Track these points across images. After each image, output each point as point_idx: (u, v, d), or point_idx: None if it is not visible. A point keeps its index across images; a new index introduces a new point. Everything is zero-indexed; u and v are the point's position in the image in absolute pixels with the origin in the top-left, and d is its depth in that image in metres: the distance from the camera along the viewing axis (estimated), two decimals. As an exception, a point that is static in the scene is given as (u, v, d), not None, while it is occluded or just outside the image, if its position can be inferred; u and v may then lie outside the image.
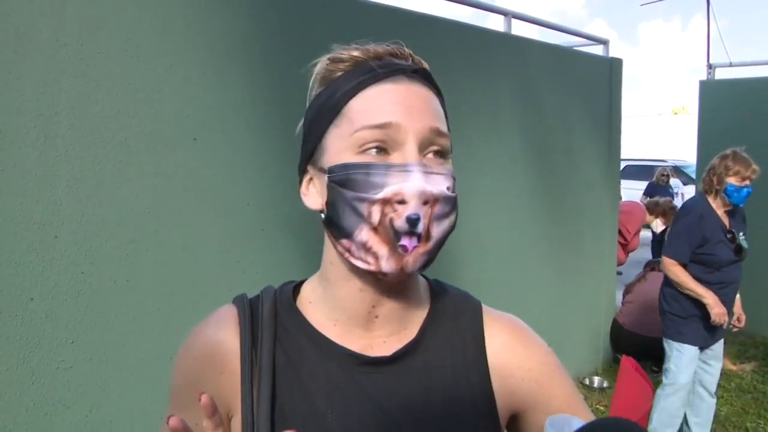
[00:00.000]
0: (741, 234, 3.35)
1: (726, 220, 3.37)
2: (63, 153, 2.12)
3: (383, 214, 0.71)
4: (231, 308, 0.83)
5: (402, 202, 0.70)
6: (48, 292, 2.09)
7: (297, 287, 0.86)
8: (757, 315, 5.73)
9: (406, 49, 0.79)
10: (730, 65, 6.13)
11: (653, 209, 7.23)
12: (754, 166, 3.32)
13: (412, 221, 0.70)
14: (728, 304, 3.36)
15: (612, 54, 5.16)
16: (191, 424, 0.65)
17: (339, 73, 0.77)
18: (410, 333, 0.81)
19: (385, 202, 0.70)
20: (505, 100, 4.03)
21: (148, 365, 2.29)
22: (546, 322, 4.45)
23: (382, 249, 0.71)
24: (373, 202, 0.70)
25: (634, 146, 19.29)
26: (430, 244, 0.73)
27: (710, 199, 3.37)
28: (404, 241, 0.71)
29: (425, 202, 0.71)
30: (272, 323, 0.80)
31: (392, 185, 0.70)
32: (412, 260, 0.72)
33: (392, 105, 0.73)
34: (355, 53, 0.77)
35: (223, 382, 0.79)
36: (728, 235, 3.33)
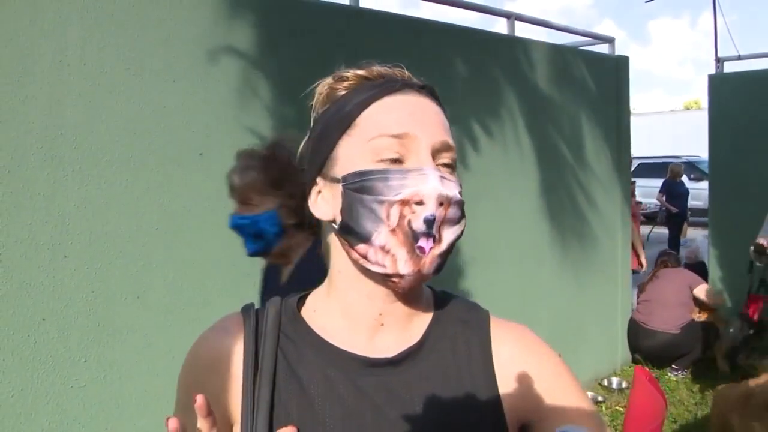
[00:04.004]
0: None
1: None
2: (70, 173, 2.14)
3: (401, 216, 0.72)
4: (237, 316, 0.86)
5: (420, 203, 0.72)
6: (59, 312, 2.10)
7: (303, 298, 0.87)
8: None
9: (406, 72, 0.82)
10: (739, 58, 6.05)
11: None
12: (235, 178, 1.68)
13: (429, 222, 0.72)
14: None
15: (622, 52, 5.14)
16: (193, 427, 0.68)
17: (343, 91, 0.79)
18: (413, 338, 0.81)
19: (404, 203, 0.72)
20: (512, 102, 4.02)
21: (161, 381, 2.30)
22: (562, 324, 4.41)
23: (400, 251, 0.73)
24: (392, 203, 0.72)
25: (648, 144, 19.13)
26: (443, 246, 0.74)
27: None
28: (422, 242, 0.72)
29: (441, 204, 0.73)
30: (275, 331, 0.82)
31: (411, 187, 0.72)
32: (428, 262, 0.73)
33: (407, 116, 0.76)
34: (360, 72, 0.80)
35: (225, 388, 0.80)
36: None
